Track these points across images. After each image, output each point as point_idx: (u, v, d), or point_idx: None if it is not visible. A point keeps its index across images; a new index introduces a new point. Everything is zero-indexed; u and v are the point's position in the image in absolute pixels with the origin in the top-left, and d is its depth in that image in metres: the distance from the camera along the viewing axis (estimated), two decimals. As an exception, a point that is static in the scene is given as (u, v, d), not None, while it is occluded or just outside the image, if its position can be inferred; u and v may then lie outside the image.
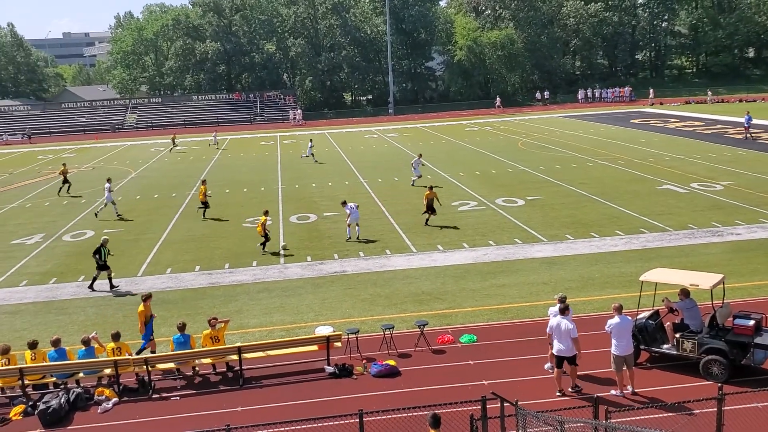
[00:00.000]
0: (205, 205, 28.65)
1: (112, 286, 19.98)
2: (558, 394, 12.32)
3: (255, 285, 19.74)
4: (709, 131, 48.33)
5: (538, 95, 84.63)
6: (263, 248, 22.79)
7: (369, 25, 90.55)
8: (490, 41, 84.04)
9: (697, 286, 13.03)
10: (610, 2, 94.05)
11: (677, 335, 12.97)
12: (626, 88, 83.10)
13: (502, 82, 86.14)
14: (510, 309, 16.78)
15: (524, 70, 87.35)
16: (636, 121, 58.81)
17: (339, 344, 14.20)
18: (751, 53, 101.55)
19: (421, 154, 36.08)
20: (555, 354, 12.35)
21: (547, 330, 12.51)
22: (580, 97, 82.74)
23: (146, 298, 15.18)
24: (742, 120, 44.02)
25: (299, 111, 76.84)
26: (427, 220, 25.46)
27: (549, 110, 76.15)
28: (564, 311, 12.37)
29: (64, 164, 38.05)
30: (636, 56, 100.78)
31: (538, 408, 11.22)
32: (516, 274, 19.39)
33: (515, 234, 23.49)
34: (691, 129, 50.32)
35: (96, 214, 29.66)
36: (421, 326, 14.73)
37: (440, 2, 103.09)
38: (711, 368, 12.54)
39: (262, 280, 20.15)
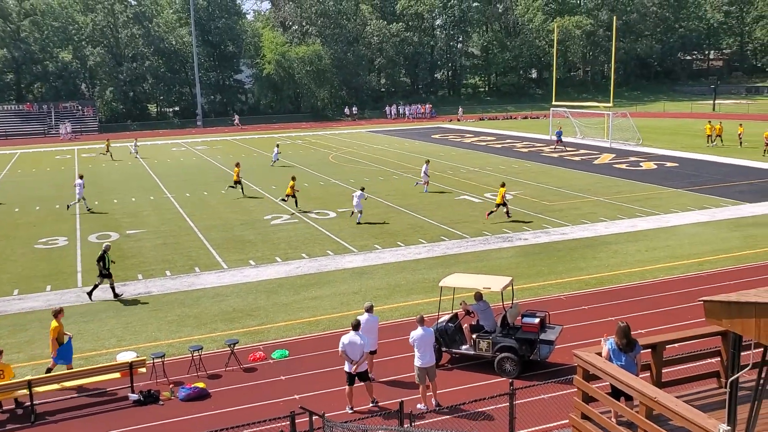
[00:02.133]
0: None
1: (115, 295, 19.04)
2: (349, 411, 12.30)
3: (49, 312, 18.10)
4: (500, 145, 52.66)
5: (346, 110, 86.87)
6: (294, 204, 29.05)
7: (174, 36, 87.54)
8: (299, 56, 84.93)
9: (489, 288, 14.07)
10: (410, 23, 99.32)
11: (474, 336, 13.95)
12: (427, 106, 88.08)
13: (312, 96, 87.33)
14: (322, 321, 17.04)
15: (332, 86, 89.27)
16: (436, 136, 62.48)
17: (144, 370, 13.54)
18: (534, 74, 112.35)
19: (428, 161, 35.26)
20: (347, 371, 12.31)
21: (339, 348, 12.35)
22: (388, 113, 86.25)
23: (57, 313, 13.92)
24: (548, 137, 48.56)
25: (68, 125, 71.78)
26: (508, 212, 26.89)
27: (357, 125, 78.49)
28: (356, 327, 12.37)
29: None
30: (435, 75, 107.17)
31: (346, 418, 11.53)
32: (328, 285, 19.74)
33: (327, 246, 23.91)
34: (484, 144, 54.49)
35: (68, 206, 31.37)
36: (232, 345, 14.49)
37: (247, 16, 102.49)
38: (504, 365, 13.60)
39: (57, 305, 18.61)
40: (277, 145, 47.25)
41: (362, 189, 28.14)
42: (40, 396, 12.92)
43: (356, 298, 18.44)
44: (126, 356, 14.13)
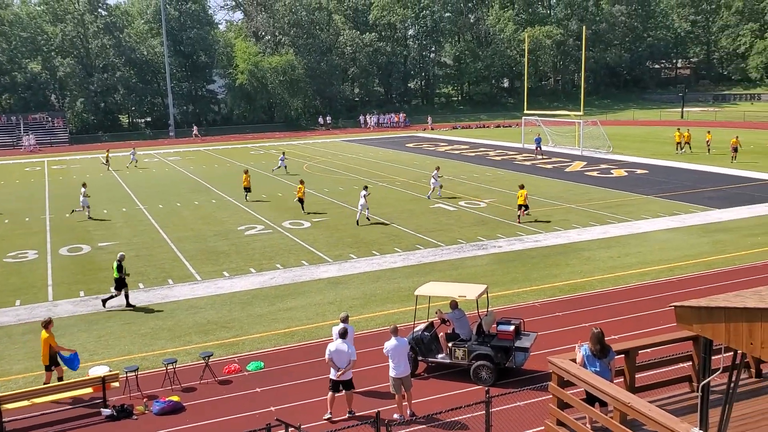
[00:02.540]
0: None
1: (128, 304, 19.08)
2: (325, 418, 12.31)
3: (19, 326, 17.89)
4: (474, 154, 53.03)
5: (321, 120, 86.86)
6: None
7: (145, 46, 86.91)
8: (272, 66, 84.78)
9: (465, 297, 14.15)
10: (383, 33, 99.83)
11: (449, 344, 13.99)
12: (401, 115, 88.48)
13: (285, 106, 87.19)
14: (297, 332, 16.97)
15: (306, 96, 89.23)
16: (410, 145, 62.73)
17: (117, 384, 13.36)
18: (506, 83, 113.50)
19: (438, 167, 35.95)
20: (332, 378, 12.35)
21: (326, 356, 12.41)
22: (362, 122, 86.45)
23: (47, 323, 13.74)
24: (520, 145, 48.93)
25: (31, 136, 70.81)
26: (521, 215, 27.97)
27: (332, 134, 78.50)
28: (343, 335, 12.45)
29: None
30: (409, 84, 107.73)
31: (322, 429, 11.49)
32: (303, 296, 19.67)
33: (302, 256, 23.83)
34: (458, 152, 54.83)
35: (73, 211, 32.66)
36: (206, 357, 14.35)
37: (220, 26, 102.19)
38: (480, 373, 13.64)
39: (26, 320, 18.33)
40: (283, 153, 48.16)
41: (365, 188, 29.62)
42: (10, 413, 12.67)
43: (332, 309, 18.40)
44: (99, 370, 13.91)
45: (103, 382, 13.11)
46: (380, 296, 19.42)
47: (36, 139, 71.21)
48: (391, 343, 12.38)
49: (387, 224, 28.33)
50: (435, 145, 60.88)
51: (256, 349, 15.92)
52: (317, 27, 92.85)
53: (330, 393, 12.45)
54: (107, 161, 51.42)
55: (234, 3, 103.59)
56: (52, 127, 77.99)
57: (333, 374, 12.38)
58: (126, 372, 13.78)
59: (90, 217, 31.67)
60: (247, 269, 22.44)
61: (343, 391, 12.48)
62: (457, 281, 19.60)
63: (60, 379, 13.73)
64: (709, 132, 50.40)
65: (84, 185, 32.98)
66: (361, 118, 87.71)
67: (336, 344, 12.35)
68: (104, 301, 19.15)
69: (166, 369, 14.08)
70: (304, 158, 53.68)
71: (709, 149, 47.90)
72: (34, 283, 21.56)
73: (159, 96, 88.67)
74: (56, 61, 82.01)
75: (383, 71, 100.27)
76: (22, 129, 75.74)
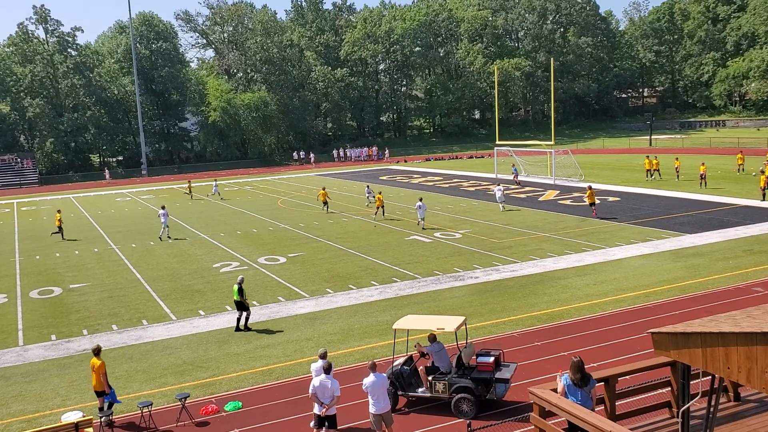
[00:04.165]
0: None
1: (247, 328, 19.76)
2: None
3: (-13, 373, 17.40)
4: (447, 185, 53.40)
5: (294, 155, 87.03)
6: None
7: (116, 85, 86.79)
8: (244, 103, 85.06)
9: (443, 329, 14.09)
10: (354, 68, 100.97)
11: (430, 378, 13.89)
12: (374, 148, 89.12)
13: (259, 142, 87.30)
14: (275, 369, 16.73)
15: (279, 131, 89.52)
16: (384, 177, 63.01)
17: (90, 430, 12.99)
18: (477, 114, 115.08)
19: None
20: (316, 414, 12.21)
21: (310, 391, 12.28)
22: (335, 156, 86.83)
23: (98, 351, 14.00)
24: (493, 175, 49.32)
25: None
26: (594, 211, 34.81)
27: (306, 169, 78.58)
28: (327, 370, 12.32)
29: (59, 211, 38.40)
30: (381, 118, 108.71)
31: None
32: (280, 332, 19.44)
33: (278, 292, 23.63)
34: (432, 183, 55.17)
35: (161, 238, 35.00)
36: (183, 399, 14.07)
37: (191, 64, 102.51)
38: (461, 406, 13.54)
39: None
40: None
41: (420, 199, 35.19)
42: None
43: (309, 345, 18.21)
44: (71, 416, 13.54)
45: (76, 428, 12.74)
46: (358, 331, 19.28)
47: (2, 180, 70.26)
48: (369, 380, 12.26)
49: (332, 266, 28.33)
50: (409, 177, 61.23)
51: (233, 389, 15.65)
52: (289, 63, 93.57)
53: (315, 429, 12.27)
54: (190, 191, 54.10)
55: (205, 41, 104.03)
56: (22, 168, 77.11)
57: (317, 409, 12.21)
58: (100, 417, 13.45)
59: (169, 237, 34.93)
60: (223, 307, 22.17)
61: (327, 428, 12.29)
62: (435, 313, 19.57)
63: (101, 409, 13.92)
64: (677, 159, 51.42)
65: (163, 207, 36.30)
66: (335, 152, 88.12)
67: (320, 379, 12.21)
68: (245, 327, 19.78)
69: (142, 412, 13.77)
70: (278, 193, 53.59)
71: (678, 175, 48.82)
72: (4, 328, 21.05)
73: (131, 134, 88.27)
74: (25, 101, 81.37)
75: (355, 105, 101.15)
76: (-10, 170, 74.77)
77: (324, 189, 42.67)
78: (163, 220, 35.34)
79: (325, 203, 41.11)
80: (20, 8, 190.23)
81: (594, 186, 48.26)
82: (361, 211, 41.38)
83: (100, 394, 14.06)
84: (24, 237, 38.46)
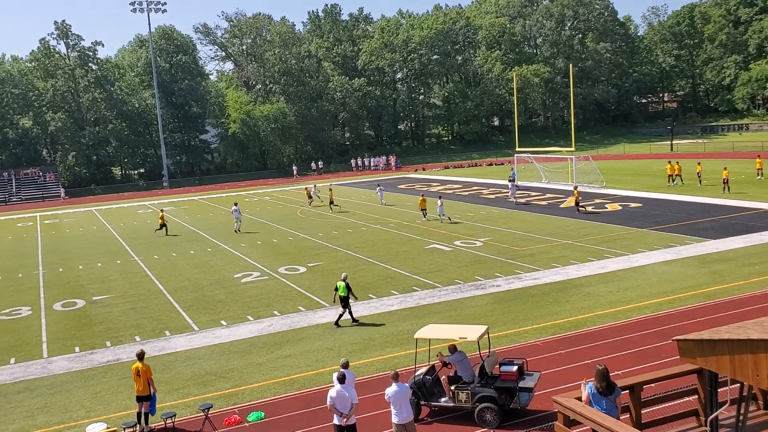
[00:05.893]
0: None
1: (354, 319, 20.78)
2: None
3: (14, 385, 17.59)
4: (467, 193, 53.23)
5: (313, 165, 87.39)
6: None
7: (137, 99, 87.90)
8: (263, 114, 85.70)
9: (465, 338, 14.00)
10: (372, 77, 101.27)
11: (452, 387, 13.79)
12: (392, 157, 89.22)
13: (278, 153, 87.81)
14: (297, 379, 16.73)
15: (298, 142, 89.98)
16: (402, 186, 62.97)
17: (114, 441, 13.10)
18: (496, 122, 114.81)
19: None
20: (336, 425, 12.12)
21: (328, 402, 12.17)
22: (353, 166, 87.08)
23: (142, 355, 14.27)
24: (499, 181, 49.08)
25: None
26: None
27: (324, 179, 78.79)
28: (342, 379, 12.22)
29: (162, 210, 45.19)
30: (399, 127, 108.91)
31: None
32: (301, 342, 19.45)
33: (299, 302, 23.66)
34: (451, 191, 55.02)
35: (237, 231, 39.71)
36: (206, 410, 14.09)
37: (210, 76, 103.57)
38: (484, 415, 13.42)
39: (21, 378, 18.04)
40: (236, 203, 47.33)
41: (440, 197, 38.70)
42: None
43: (331, 354, 18.19)
44: (96, 428, 13.65)
45: (100, 439, 12.84)
46: (379, 340, 19.22)
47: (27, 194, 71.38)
48: (392, 389, 12.18)
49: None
50: (428, 186, 61.14)
51: (256, 399, 15.66)
52: (307, 74, 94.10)
53: None
54: (310, 197, 52.37)
55: (224, 54, 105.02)
56: (45, 181, 78.20)
57: (337, 420, 12.15)
58: (124, 428, 13.51)
59: (237, 230, 39.25)
60: (245, 317, 22.24)
61: None
62: (457, 322, 19.46)
63: (139, 415, 14.01)
64: (699, 164, 50.81)
65: (236, 203, 40.71)
66: (353, 161, 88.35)
67: (336, 389, 12.14)
68: (353, 320, 20.68)
69: (165, 423, 13.83)
70: (297, 204, 53.78)
71: (700, 180, 48.23)
72: (29, 341, 21.29)
73: (152, 147, 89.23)
74: (47, 115, 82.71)
75: (373, 115, 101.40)
76: (14, 185, 75.89)
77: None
78: (236, 215, 39.78)
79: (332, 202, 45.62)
80: (42, 24, 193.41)
81: (616, 192, 47.95)
82: (380, 220, 41.38)
83: (144, 398, 14.11)
84: (47, 250, 38.94)
